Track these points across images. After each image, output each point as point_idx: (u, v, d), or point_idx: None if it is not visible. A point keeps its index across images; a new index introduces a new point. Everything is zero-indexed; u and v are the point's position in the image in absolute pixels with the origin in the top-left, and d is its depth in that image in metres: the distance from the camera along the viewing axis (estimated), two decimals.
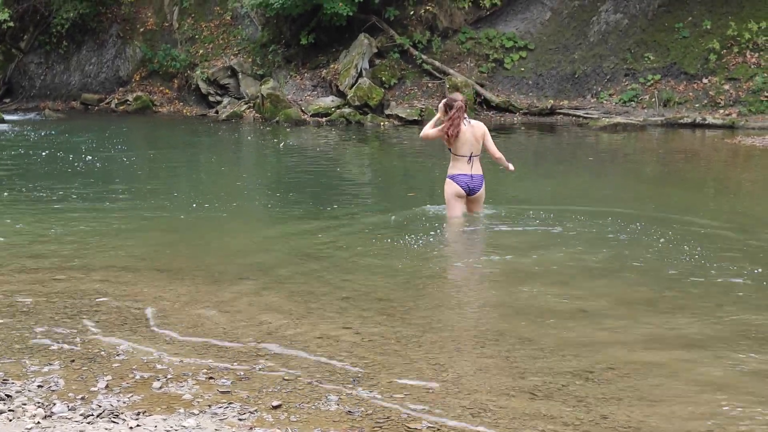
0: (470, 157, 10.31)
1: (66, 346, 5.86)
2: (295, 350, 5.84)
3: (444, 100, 10.58)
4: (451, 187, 10.46)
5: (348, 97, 25.92)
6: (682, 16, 25.60)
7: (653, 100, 24.56)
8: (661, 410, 4.83)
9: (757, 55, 24.20)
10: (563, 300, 7.16)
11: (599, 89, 25.62)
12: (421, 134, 10.59)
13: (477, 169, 10.40)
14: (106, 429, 4.52)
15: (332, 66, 27.23)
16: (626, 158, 18.32)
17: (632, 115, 24.06)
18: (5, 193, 12.95)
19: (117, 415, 4.69)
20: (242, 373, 5.37)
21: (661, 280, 7.81)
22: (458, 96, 10.50)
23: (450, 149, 10.43)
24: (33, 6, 31.46)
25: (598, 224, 10.16)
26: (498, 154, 10.45)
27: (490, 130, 10.55)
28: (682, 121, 23.27)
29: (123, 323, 6.44)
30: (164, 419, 4.66)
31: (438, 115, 10.54)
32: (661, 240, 9.31)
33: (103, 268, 8.20)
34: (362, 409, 4.83)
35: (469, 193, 10.43)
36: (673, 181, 14.92)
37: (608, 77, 25.75)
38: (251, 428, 4.56)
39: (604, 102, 25.19)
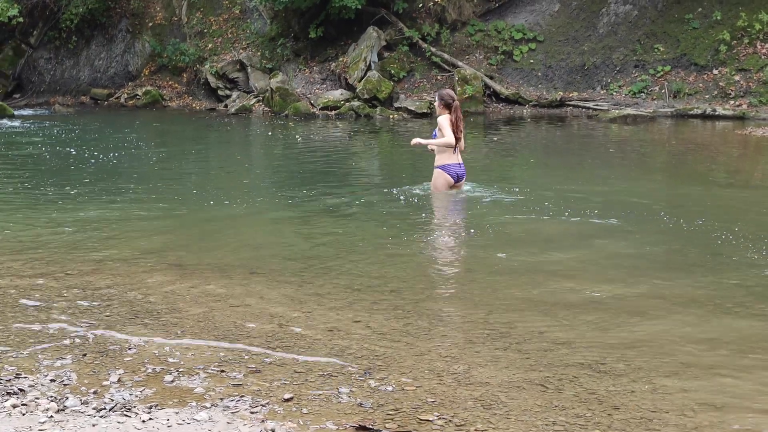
0: (455, 147, 11.13)
1: (78, 341, 5.88)
2: (306, 343, 5.85)
3: (443, 97, 11.14)
4: (443, 177, 11.23)
5: (357, 90, 25.91)
6: (692, 7, 25.51)
7: (663, 91, 24.50)
8: (673, 402, 4.83)
9: (767, 45, 24.11)
10: (575, 292, 7.15)
11: (609, 81, 25.57)
12: (444, 143, 11.14)
13: (460, 157, 11.37)
14: (119, 423, 4.54)
15: (341, 59, 27.22)
16: (649, 149, 18.31)
17: (642, 107, 24.00)
18: (10, 188, 12.98)
19: (129, 409, 4.71)
20: (254, 366, 5.39)
21: (675, 271, 7.81)
22: (452, 92, 11.54)
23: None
24: (42, 1, 31.47)
25: (619, 216, 10.13)
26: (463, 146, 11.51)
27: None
28: (692, 112, 23.20)
29: (134, 317, 6.46)
30: (176, 412, 4.67)
31: (432, 142, 11.31)
32: (682, 231, 9.30)
33: (114, 262, 8.22)
34: (373, 401, 4.84)
35: (458, 180, 11.25)
36: (694, 173, 14.88)
37: (618, 69, 25.69)
38: (263, 421, 4.57)
39: (614, 94, 25.14)
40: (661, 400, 4.86)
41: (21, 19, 29.60)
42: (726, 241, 8.79)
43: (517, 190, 12.06)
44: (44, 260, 8.28)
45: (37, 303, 6.81)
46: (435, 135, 11.21)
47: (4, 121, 24.87)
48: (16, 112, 27.14)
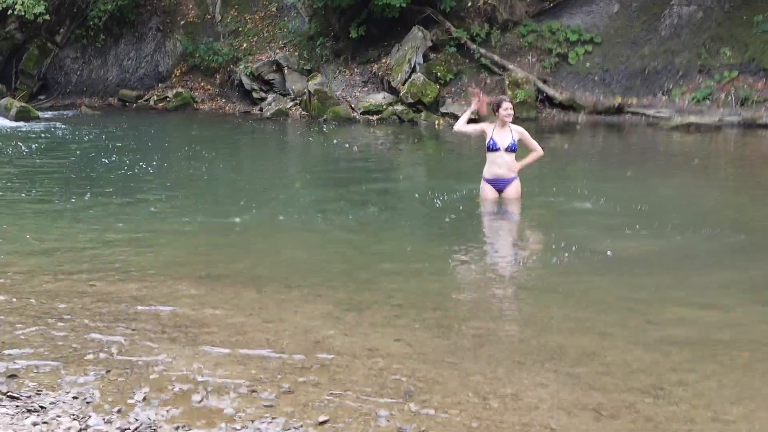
0: None
1: (102, 356, 5.92)
2: (344, 362, 5.85)
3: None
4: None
5: (401, 94, 25.93)
6: (761, 8, 25.28)
7: (729, 98, 24.28)
8: (737, 431, 4.78)
9: None
10: (633, 312, 7.09)
11: (671, 87, 25.39)
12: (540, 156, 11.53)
13: None
14: None
15: (384, 61, 27.27)
16: (732, 162, 18.17)
17: (706, 115, 23.80)
18: (34, 194, 13.10)
19: (155, 430, 4.73)
20: (287, 386, 5.39)
21: (733, 291, 7.74)
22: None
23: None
24: None
25: (690, 237, 10.00)
26: None
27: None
28: (760, 121, 22.98)
29: (162, 332, 6.49)
30: None
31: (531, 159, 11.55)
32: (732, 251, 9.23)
33: (141, 273, 8.27)
34: (414, 425, 4.83)
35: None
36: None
37: (681, 74, 25.50)
38: None
39: (676, 100, 24.96)
40: (723, 428, 4.81)
41: (47, 17, 29.95)
42: None
43: (587, 201, 11.92)
44: (68, 270, 8.35)
45: (60, 315, 6.86)
46: (515, 145, 11.12)
47: (29, 123, 25.15)
48: (40, 114, 27.35)
